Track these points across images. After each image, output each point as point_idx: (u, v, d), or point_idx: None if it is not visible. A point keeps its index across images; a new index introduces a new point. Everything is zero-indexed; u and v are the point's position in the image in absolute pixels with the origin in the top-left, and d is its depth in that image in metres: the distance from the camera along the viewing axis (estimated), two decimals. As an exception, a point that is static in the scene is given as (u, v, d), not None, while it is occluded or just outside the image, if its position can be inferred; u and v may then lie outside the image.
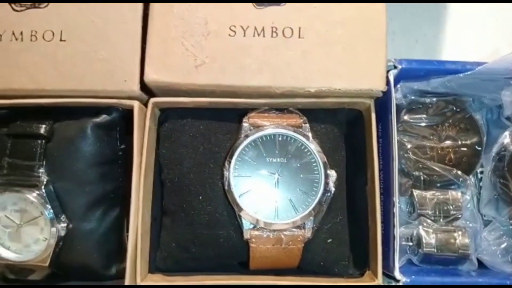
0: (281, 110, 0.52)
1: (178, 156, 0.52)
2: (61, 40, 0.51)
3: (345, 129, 0.54)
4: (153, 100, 0.51)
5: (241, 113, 0.52)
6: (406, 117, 0.53)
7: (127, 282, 0.48)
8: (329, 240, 0.51)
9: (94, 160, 0.52)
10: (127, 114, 0.52)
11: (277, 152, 0.50)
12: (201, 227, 0.50)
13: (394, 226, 0.46)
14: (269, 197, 0.49)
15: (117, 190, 0.54)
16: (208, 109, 0.53)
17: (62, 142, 0.51)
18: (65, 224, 0.50)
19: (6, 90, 0.51)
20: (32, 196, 0.49)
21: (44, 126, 0.51)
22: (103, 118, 0.52)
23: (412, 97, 0.53)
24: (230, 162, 0.49)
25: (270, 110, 0.52)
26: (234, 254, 0.51)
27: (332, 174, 0.50)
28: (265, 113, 0.51)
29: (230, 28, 0.50)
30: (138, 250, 0.49)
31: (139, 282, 0.48)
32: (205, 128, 0.52)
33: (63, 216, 0.50)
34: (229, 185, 0.49)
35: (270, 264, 0.50)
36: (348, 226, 0.52)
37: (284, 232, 0.48)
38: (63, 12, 0.51)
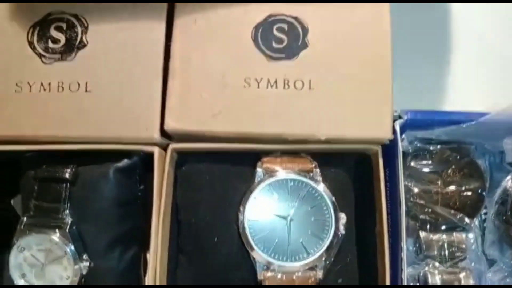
0: (293, 153, 0.55)
1: (195, 199, 0.55)
2: (86, 90, 0.54)
3: (354, 172, 0.57)
4: (172, 146, 0.54)
5: (255, 156, 0.55)
6: (412, 163, 0.56)
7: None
8: (339, 281, 0.53)
9: (115, 202, 0.55)
10: (146, 156, 0.56)
11: (289, 196, 0.53)
12: (217, 268, 0.53)
13: (402, 270, 0.48)
14: (281, 240, 0.51)
15: (135, 229, 0.57)
16: (224, 153, 0.56)
17: (86, 186, 0.54)
18: (87, 263, 0.53)
19: (34, 136, 0.54)
20: (57, 237, 0.52)
21: (68, 170, 0.53)
22: (125, 162, 0.55)
23: (418, 145, 0.55)
24: (244, 206, 0.52)
25: (282, 154, 0.55)
26: (249, 295, 0.53)
27: (342, 217, 0.52)
28: (277, 158, 0.54)
29: (245, 81, 0.54)
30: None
31: (157, 322, 0.51)
32: (220, 173, 0.55)
33: (85, 255, 0.53)
34: (243, 228, 0.51)
35: (282, 305, 0.52)
36: (358, 267, 0.54)
37: (296, 274, 0.51)
38: (88, 64, 0.54)
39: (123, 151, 0.55)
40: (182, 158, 0.56)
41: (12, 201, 0.61)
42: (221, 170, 0.55)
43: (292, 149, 0.54)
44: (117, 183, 0.55)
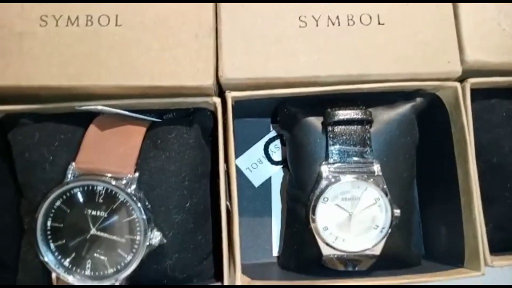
0: None
1: (495, 137, 0.51)
2: (379, 23, 0.50)
3: None
4: (472, 80, 0.50)
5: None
6: None
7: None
8: None
9: (413, 145, 0.51)
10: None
11: None
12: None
13: None
14: None
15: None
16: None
17: (381, 128, 0.50)
18: (398, 211, 0.49)
19: (326, 77, 0.49)
20: (368, 183, 0.48)
21: (366, 111, 0.49)
22: (419, 101, 0.51)
23: None
24: None
25: None
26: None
27: None
28: None
29: None
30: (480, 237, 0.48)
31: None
32: (516, 107, 0.52)
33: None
34: None
35: None
36: None
37: None
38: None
39: (417, 88, 0.51)
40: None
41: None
42: (516, 104, 0.52)
43: None
44: (413, 124, 0.51)
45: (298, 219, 0.52)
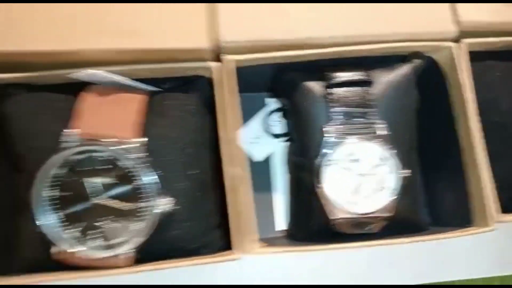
0: None
1: (492, 97, 0.52)
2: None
3: None
4: (467, 40, 0.51)
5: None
6: None
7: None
8: None
9: (413, 106, 0.52)
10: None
11: None
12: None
13: None
14: None
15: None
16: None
17: (381, 89, 0.50)
18: (406, 170, 0.49)
19: (324, 38, 0.49)
20: (374, 143, 0.48)
21: (365, 72, 0.49)
22: (418, 62, 0.52)
23: None
24: None
25: None
26: None
27: None
28: None
29: None
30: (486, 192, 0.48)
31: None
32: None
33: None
34: None
35: None
36: None
37: None
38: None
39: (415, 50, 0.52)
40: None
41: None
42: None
43: None
44: (415, 85, 0.52)
45: (304, 187, 0.51)
